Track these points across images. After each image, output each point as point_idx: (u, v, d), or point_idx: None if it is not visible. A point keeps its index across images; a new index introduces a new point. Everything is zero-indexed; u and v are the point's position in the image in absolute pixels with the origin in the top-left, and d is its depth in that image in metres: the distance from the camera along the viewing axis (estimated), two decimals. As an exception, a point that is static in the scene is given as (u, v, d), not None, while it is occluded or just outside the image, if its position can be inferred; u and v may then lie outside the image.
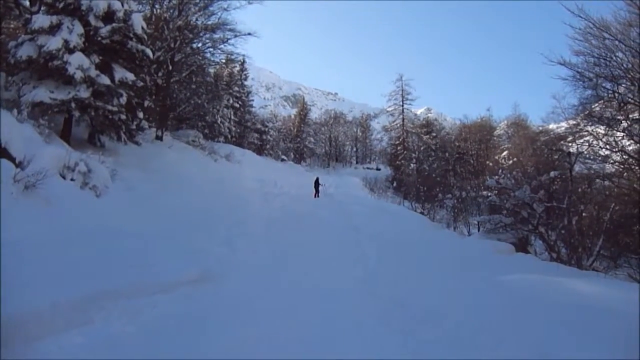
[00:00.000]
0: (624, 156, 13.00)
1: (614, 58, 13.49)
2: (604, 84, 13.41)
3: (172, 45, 26.51)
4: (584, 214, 16.91)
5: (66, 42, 14.95)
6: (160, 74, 26.21)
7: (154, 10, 27.33)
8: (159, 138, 25.22)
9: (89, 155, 13.46)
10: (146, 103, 18.41)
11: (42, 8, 15.77)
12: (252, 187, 23.48)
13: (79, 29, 15.28)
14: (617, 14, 13.93)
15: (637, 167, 13.18)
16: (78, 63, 14.90)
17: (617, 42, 13.59)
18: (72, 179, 12.03)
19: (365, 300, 7.75)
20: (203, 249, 10.07)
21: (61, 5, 15.41)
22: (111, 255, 7.75)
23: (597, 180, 17.10)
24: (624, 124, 12.94)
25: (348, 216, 19.46)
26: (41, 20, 15.07)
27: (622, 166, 13.97)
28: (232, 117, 41.67)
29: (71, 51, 15.02)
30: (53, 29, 15.29)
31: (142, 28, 17.32)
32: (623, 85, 13.38)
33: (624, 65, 13.40)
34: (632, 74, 13.09)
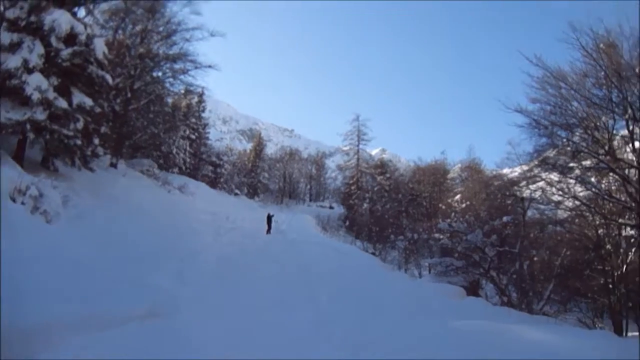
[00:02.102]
0: (576, 202, 13.22)
1: (570, 107, 13.79)
2: (559, 132, 13.67)
3: (132, 72, 26.28)
4: (535, 259, 17.13)
5: (26, 61, 14.68)
6: (118, 100, 25.91)
7: (117, 35, 27.16)
8: (113, 165, 24.81)
9: (41, 179, 13.19)
10: (103, 129, 18.18)
11: (3, 24, 15.52)
12: (204, 220, 23.25)
13: (39, 49, 15.03)
14: (573, 65, 14.26)
15: (588, 214, 13.41)
16: (36, 84, 14.65)
17: (572, 92, 13.90)
18: (22, 203, 11.77)
19: (319, 345, 7.73)
20: (153, 283, 9.93)
21: (23, 23, 15.19)
22: (60, 285, 7.59)
23: (549, 225, 17.36)
24: (577, 172, 13.19)
25: (300, 254, 19.35)
26: (2, 37, 14.82)
27: (573, 212, 14.20)
28: (188, 149, 41.37)
29: (30, 71, 14.76)
30: (13, 47, 14.94)
31: (104, 53, 17.14)
32: (577, 134, 13.67)
33: (579, 115, 13.69)
34: (586, 123, 13.38)
